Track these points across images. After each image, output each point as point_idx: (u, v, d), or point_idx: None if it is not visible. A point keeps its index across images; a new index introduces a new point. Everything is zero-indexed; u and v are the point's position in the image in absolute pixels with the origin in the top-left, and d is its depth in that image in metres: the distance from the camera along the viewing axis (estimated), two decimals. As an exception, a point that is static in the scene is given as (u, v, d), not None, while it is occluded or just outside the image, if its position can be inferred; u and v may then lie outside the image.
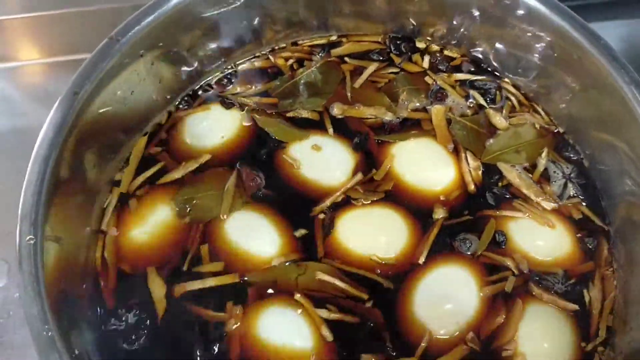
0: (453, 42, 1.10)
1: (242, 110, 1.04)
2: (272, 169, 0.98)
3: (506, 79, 1.09)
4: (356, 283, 0.88)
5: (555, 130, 1.04)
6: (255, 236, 0.91)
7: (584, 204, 0.97)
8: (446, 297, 0.88)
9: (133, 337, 0.85)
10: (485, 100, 1.06)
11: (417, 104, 1.05)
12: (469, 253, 0.91)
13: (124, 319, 0.86)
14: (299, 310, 0.85)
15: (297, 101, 1.05)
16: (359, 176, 0.96)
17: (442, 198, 0.96)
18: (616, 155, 0.92)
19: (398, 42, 1.12)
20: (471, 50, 1.10)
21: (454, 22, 1.06)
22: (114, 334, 0.85)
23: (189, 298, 0.87)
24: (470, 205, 0.96)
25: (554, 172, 0.99)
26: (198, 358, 0.83)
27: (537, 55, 1.01)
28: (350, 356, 0.83)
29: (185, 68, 1.03)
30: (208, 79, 1.08)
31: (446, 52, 1.12)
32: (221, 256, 0.90)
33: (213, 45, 1.05)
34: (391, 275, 0.89)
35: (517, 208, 0.95)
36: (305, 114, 1.03)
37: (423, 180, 0.97)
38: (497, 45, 1.05)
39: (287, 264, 0.89)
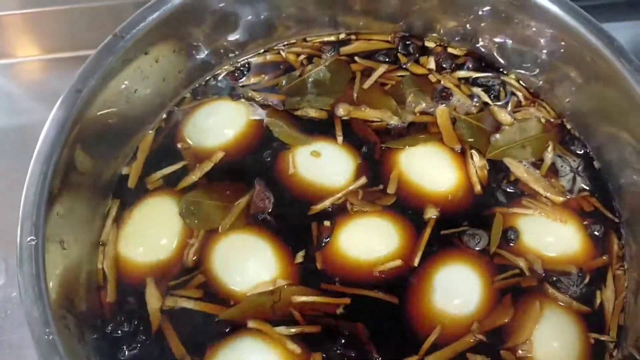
0: (457, 38, 1.10)
1: (250, 106, 1.03)
2: (273, 169, 0.97)
3: (510, 75, 1.08)
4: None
5: (561, 124, 1.03)
6: (247, 260, 0.90)
7: (593, 197, 0.97)
8: (454, 293, 0.87)
9: (129, 346, 0.84)
10: (490, 97, 1.05)
11: (424, 106, 1.04)
12: (477, 249, 0.90)
13: (119, 328, 0.85)
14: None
15: (305, 99, 1.04)
16: (362, 180, 0.95)
17: (449, 198, 0.95)
18: (621, 147, 0.93)
19: (407, 42, 1.10)
20: (475, 46, 1.09)
21: (463, 19, 1.05)
22: (113, 341, 0.85)
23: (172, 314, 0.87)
24: (478, 205, 0.95)
25: (562, 166, 0.99)
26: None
27: (543, 50, 1.00)
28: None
29: (190, 65, 1.03)
30: (213, 75, 1.07)
31: (450, 50, 1.11)
32: (209, 275, 0.89)
33: (218, 41, 1.04)
34: (395, 278, 0.88)
35: (526, 205, 0.94)
36: (312, 112, 1.02)
37: (428, 185, 0.96)
38: (503, 41, 1.04)
39: (259, 293, 0.86)
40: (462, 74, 1.08)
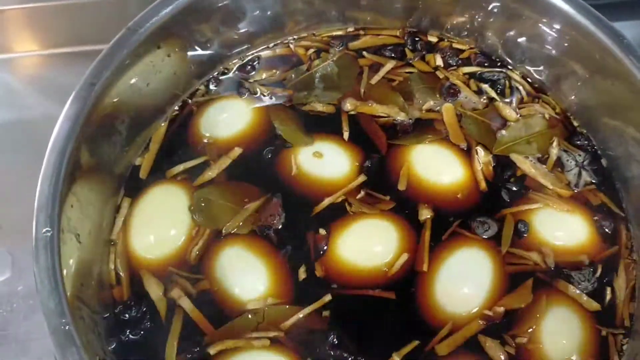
0: (465, 34, 1.10)
1: (258, 100, 1.04)
2: (274, 165, 0.98)
3: (516, 70, 1.09)
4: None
5: (566, 119, 1.04)
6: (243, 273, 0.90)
7: (600, 190, 0.98)
8: (463, 281, 0.88)
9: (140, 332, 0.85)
10: (495, 91, 1.06)
11: (432, 103, 1.04)
12: (485, 236, 0.91)
13: (133, 315, 0.86)
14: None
15: (313, 94, 1.04)
16: (362, 177, 0.96)
17: (458, 196, 0.95)
18: (626, 142, 0.94)
19: (416, 38, 1.11)
20: (481, 41, 1.10)
21: (473, 15, 1.06)
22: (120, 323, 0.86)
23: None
24: (486, 201, 0.96)
25: (567, 160, 1.00)
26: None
27: (550, 47, 1.01)
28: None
29: (201, 58, 1.03)
30: (224, 68, 1.08)
31: (455, 45, 1.12)
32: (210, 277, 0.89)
33: (228, 35, 1.04)
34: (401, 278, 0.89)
35: (534, 199, 0.95)
36: (320, 107, 1.03)
37: (434, 184, 0.97)
38: (510, 37, 1.05)
39: (248, 315, 0.86)
40: (468, 69, 1.08)
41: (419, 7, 1.09)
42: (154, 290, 0.87)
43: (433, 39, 1.12)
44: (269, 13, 1.06)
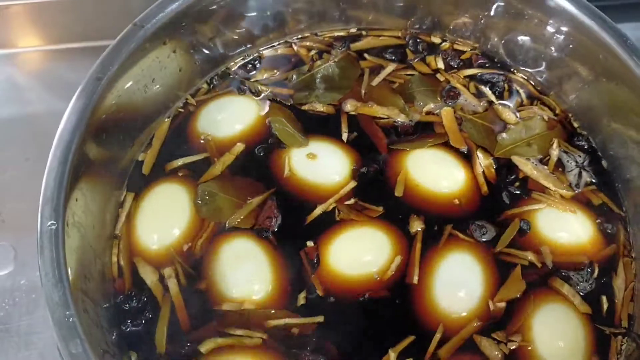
0: (467, 34, 1.11)
1: (259, 99, 1.05)
2: (269, 165, 0.98)
3: (516, 71, 1.10)
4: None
5: (566, 121, 1.05)
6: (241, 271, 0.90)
7: (600, 190, 0.99)
8: (458, 284, 0.89)
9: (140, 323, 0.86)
10: (495, 94, 1.06)
11: (432, 106, 1.05)
12: (483, 240, 0.92)
13: (134, 306, 0.87)
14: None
15: (313, 94, 1.05)
16: (352, 184, 0.96)
17: (456, 202, 0.96)
18: (627, 143, 0.95)
19: (418, 39, 1.12)
20: (483, 42, 1.11)
21: (476, 15, 1.07)
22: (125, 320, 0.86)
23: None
24: (487, 204, 0.96)
25: (567, 161, 1.01)
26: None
27: (553, 48, 1.02)
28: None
29: (205, 56, 1.04)
30: (227, 67, 1.09)
31: (457, 46, 1.13)
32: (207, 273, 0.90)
33: (232, 34, 1.05)
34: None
35: (536, 199, 0.96)
36: (320, 107, 1.04)
37: (434, 188, 0.97)
38: (512, 37, 1.06)
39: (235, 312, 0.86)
40: (469, 71, 1.09)
41: (420, 6, 1.09)
42: (149, 276, 0.88)
43: (436, 39, 1.13)
44: (270, 12, 1.07)
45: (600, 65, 0.95)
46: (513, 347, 0.84)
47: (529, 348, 0.84)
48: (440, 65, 1.10)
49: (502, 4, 1.02)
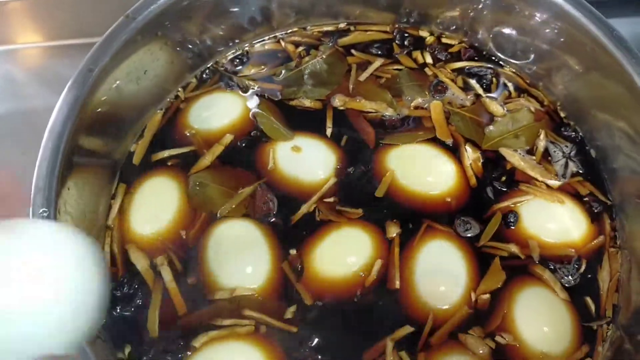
0: (454, 27, 1.12)
1: (247, 94, 1.05)
2: (254, 158, 0.99)
3: (505, 64, 1.11)
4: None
5: (553, 112, 1.06)
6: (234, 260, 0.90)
7: (587, 180, 1.00)
8: (440, 276, 0.89)
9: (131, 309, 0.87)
10: (482, 87, 1.07)
11: (420, 100, 1.05)
12: (468, 235, 0.92)
13: (125, 292, 0.88)
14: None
15: (301, 90, 1.06)
16: (332, 180, 0.96)
17: (448, 199, 0.96)
18: (614, 134, 0.96)
19: (405, 34, 1.13)
20: (471, 36, 1.11)
21: (465, 8, 1.08)
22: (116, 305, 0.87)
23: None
24: (474, 198, 0.96)
25: (554, 151, 1.02)
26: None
27: (541, 40, 1.03)
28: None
29: (196, 49, 1.05)
30: (218, 60, 1.10)
31: (445, 40, 1.13)
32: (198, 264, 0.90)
33: (224, 27, 1.06)
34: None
35: (524, 190, 0.97)
36: (308, 103, 1.05)
37: (422, 187, 0.97)
38: (500, 29, 1.07)
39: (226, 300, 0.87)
40: (457, 64, 1.10)
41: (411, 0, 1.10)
42: (141, 262, 0.89)
43: (424, 34, 1.14)
44: (258, 6, 1.07)
45: (588, 57, 0.96)
46: (499, 340, 0.85)
47: (515, 340, 0.85)
48: (428, 59, 1.10)
49: (492, -2, 1.04)
